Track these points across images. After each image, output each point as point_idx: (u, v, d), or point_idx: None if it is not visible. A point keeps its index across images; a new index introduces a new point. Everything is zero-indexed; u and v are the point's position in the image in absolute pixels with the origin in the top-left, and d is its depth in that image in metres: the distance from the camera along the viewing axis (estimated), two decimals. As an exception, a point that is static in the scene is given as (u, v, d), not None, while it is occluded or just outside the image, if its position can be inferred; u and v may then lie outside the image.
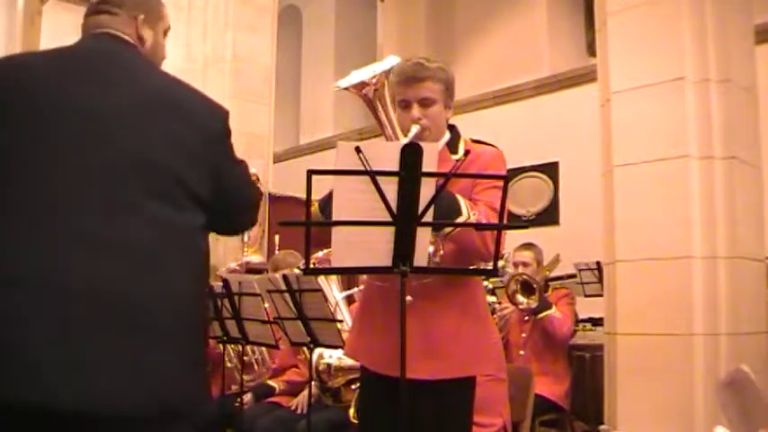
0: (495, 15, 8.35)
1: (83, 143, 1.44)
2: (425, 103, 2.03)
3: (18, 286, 1.34)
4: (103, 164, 1.44)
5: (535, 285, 4.03)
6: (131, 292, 1.38)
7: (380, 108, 1.92)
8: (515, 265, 4.27)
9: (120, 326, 1.36)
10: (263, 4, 6.65)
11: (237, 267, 5.60)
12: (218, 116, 1.64)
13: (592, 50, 6.96)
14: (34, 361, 1.30)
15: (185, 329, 1.46)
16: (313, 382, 3.19)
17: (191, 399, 1.47)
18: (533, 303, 4.01)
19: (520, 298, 4.05)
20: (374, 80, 1.88)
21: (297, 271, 3.54)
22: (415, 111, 2.02)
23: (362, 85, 1.89)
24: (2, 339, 1.31)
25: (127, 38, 1.62)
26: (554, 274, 5.47)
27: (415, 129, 1.96)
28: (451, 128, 2.15)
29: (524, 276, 4.07)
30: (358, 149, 1.57)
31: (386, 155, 1.60)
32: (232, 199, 1.65)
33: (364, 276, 3.10)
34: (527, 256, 4.23)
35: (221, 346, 3.70)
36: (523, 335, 4.15)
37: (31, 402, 1.29)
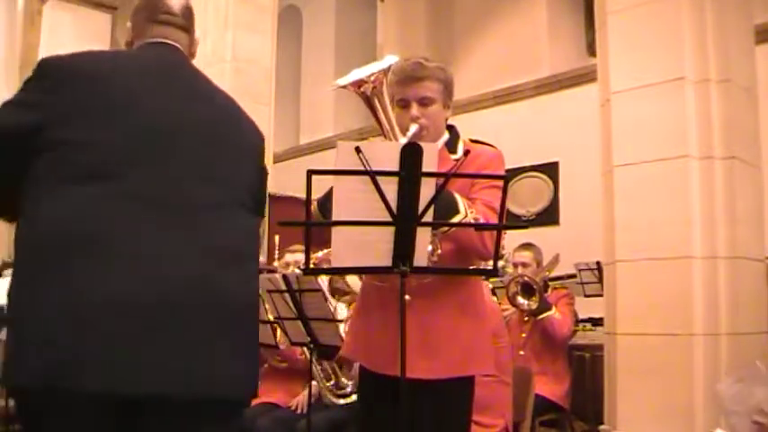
0: (495, 15, 8.35)
1: (178, 153, 1.52)
2: (424, 102, 2.03)
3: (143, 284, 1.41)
4: (200, 172, 1.54)
5: (535, 287, 4.03)
6: (230, 291, 1.51)
7: (379, 107, 1.92)
8: (515, 265, 4.27)
9: (227, 322, 1.49)
10: (263, 4, 6.65)
11: None
12: (262, 135, 1.77)
13: (592, 50, 6.96)
14: (160, 355, 1.40)
15: (256, 323, 1.64)
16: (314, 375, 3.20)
17: (255, 385, 1.60)
18: (534, 305, 4.01)
19: (520, 299, 4.06)
20: (372, 78, 1.88)
21: (297, 270, 3.54)
22: (414, 110, 2.02)
23: (361, 83, 1.89)
24: (131, 336, 1.38)
25: (187, 54, 1.74)
26: (554, 274, 5.48)
27: (413, 128, 1.96)
28: (450, 128, 2.15)
29: (525, 278, 4.07)
30: (358, 149, 1.57)
31: (386, 155, 1.60)
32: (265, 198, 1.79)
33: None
34: (526, 256, 4.23)
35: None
36: (523, 335, 4.16)
37: (154, 392, 1.39)
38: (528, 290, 4.06)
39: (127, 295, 1.38)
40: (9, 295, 1.43)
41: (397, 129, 1.95)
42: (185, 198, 1.50)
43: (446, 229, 1.88)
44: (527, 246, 4.31)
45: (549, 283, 4.41)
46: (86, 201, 1.41)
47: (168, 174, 1.49)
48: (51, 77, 1.51)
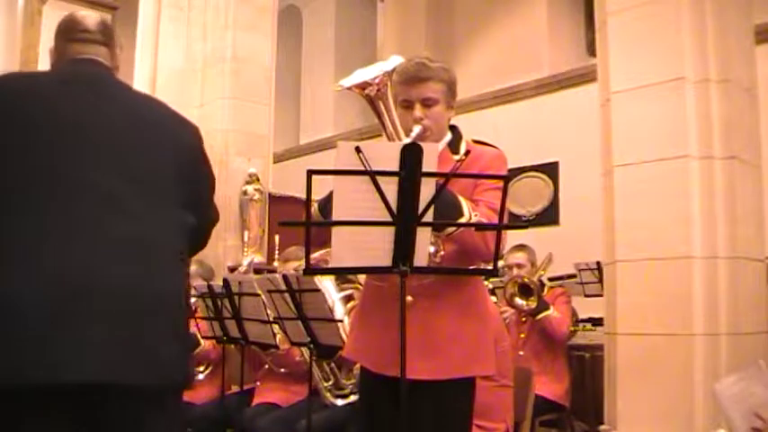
0: (495, 15, 8.35)
1: (95, 157, 1.62)
2: (427, 103, 2.03)
3: (59, 283, 1.50)
4: (119, 173, 1.63)
5: (533, 287, 4.03)
6: (144, 285, 1.58)
7: (383, 108, 1.92)
8: (509, 267, 4.27)
9: (136, 314, 1.56)
10: (263, 4, 6.65)
11: (245, 268, 5.61)
12: (193, 129, 1.85)
13: (592, 50, 6.96)
14: (77, 344, 1.48)
15: (179, 314, 1.70)
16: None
17: (182, 374, 1.68)
18: (532, 304, 4.02)
19: (518, 300, 4.07)
20: (377, 80, 1.88)
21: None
22: (417, 111, 2.02)
23: (365, 84, 1.88)
24: (46, 327, 1.47)
25: (110, 66, 1.83)
26: (554, 273, 5.48)
27: (417, 129, 1.96)
28: (453, 128, 2.15)
29: (523, 279, 4.07)
30: (358, 149, 1.57)
31: (386, 155, 1.60)
32: (202, 210, 1.85)
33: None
34: (521, 257, 4.23)
35: (221, 346, 3.70)
36: (522, 336, 4.16)
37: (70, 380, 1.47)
38: (526, 290, 4.07)
39: (48, 292, 1.48)
40: None
41: (400, 130, 1.95)
42: (103, 198, 1.59)
43: (451, 230, 1.88)
44: (520, 247, 4.31)
45: (546, 283, 4.42)
46: (12, 211, 1.52)
47: (86, 177, 1.59)
48: None
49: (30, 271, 1.49)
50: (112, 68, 1.83)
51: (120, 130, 1.67)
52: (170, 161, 1.72)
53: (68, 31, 1.81)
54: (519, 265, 4.22)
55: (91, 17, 1.85)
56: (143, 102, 1.81)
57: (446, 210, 1.82)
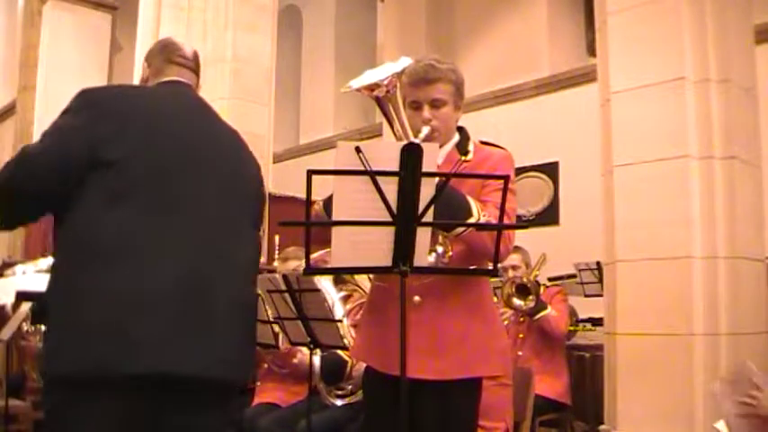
0: (495, 15, 8.35)
1: (198, 175, 1.77)
2: (436, 104, 2.04)
3: (184, 287, 1.65)
4: (231, 197, 1.83)
5: (530, 287, 4.04)
6: (239, 294, 1.78)
7: (391, 109, 1.92)
8: (504, 269, 4.28)
9: (240, 321, 1.78)
10: (263, 4, 6.65)
11: None
12: (258, 165, 2.02)
13: (592, 50, 6.96)
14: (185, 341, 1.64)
15: (255, 319, 1.92)
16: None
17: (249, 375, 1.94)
18: (530, 304, 4.03)
19: (516, 301, 4.07)
20: (386, 81, 1.87)
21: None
22: (426, 112, 2.03)
23: (374, 86, 1.88)
24: (159, 327, 1.61)
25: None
26: (554, 273, 5.48)
27: (425, 130, 1.96)
28: (461, 129, 2.16)
29: (520, 280, 4.08)
30: (358, 149, 1.57)
31: (386, 155, 1.60)
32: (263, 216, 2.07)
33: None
34: (515, 258, 4.24)
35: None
36: (521, 335, 4.16)
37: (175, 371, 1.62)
38: (523, 291, 4.08)
39: (158, 292, 1.62)
40: (53, 291, 1.65)
41: (409, 131, 1.95)
42: (207, 213, 1.75)
43: (460, 230, 1.89)
44: (515, 248, 4.31)
45: (542, 283, 4.42)
46: (127, 215, 1.64)
47: (193, 192, 1.74)
48: (96, 107, 1.72)
49: (159, 271, 1.63)
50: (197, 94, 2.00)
51: (226, 156, 1.86)
52: (254, 190, 1.94)
53: (169, 53, 1.97)
54: (514, 267, 4.23)
55: (186, 45, 2.05)
56: (232, 131, 1.98)
57: (454, 210, 1.83)
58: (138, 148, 1.69)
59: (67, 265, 1.65)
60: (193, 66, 2.00)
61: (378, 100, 1.90)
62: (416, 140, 1.87)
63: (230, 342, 1.72)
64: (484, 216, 1.89)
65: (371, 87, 1.89)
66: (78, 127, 1.68)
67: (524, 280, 4.08)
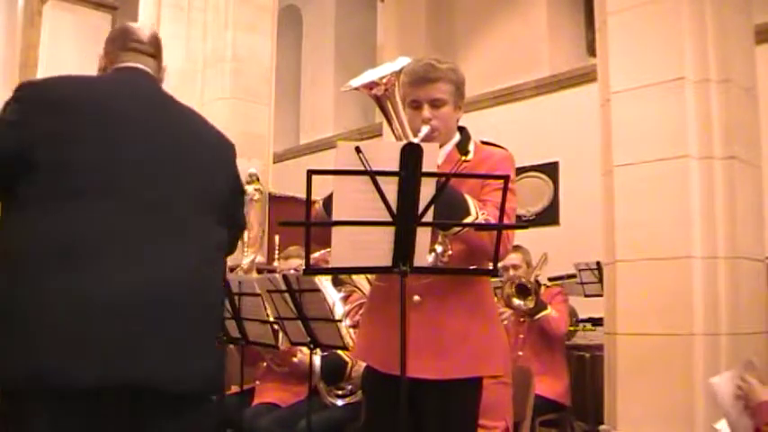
0: (495, 15, 8.35)
1: (160, 171, 1.66)
2: (436, 103, 2.04)
3: (130, 291, 1.54)
4: (174, 186, 1.68)
5: (530, 287, 4.03)
6: (201, 300, 1.67)
7: (390, 108, 1.92)
8: (505, 268, 4.27)
9: (196, 324, 1.64)
10: (263, 4, 6.66)
11: (247, 266, 5.61)
12: (233, 148, 1.90)
13: (592, 50, 6.96)
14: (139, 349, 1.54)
15: (217, 322, 1.80)
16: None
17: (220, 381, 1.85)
18: (530, 305, 4.02)
19: (516, 301, 4.06)
20: (384, 80, 1.88)
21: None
22: (426, 111, 2.03)
23: (373, 84, 1.88)
24: (116, 334, 1.51)
25: (158, 79, 1.87)
26: (554, 273, 5.48)
27: (425, 129, 1.96)
28: (462, 129, 2.16)
29: (520, 280, 4.07)
30: (358, 149, 1.57)
31: (386, 155, 1.60)
32: (236, 220, 1.93)
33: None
34: (516, 258, 4.22)
35: (221, 346, 3.70)
36: (521, 336, 4.16)
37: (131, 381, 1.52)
38: (523, 291, 4.07)
39: (115, 297, 1.51)
40: None
41: (408, 130, 1.95)
42: (163, 210, 1.63)
43: (457, 229, 1.89)
44: (515, 248, 4.29)
45: (543, 283, 4.41)
46: (74, 214, 1.54)
47: (146, 190, 1.62)
48: (33, 101, 1.62)
49: (103, 275, 1.52)
50: (158, 81, 1.87)
51: (180, 146, 1.73)
52: (220, 180, 1.80)
53: (122, 40, 1.85)
54: (514, 266, 4.22)
55: (144, 29, 1.90)
56: (193, 117, 1.85)
57: (452, 209, 1.83)
58: (84, 142, 1.59)
59: (7, 270, 1.52)
60: (151, 50, 1.86)
61: (377, 99, 1.90)
62: (415, 140, 1.87)
63: (188, 347, 1.61)
64: (482, 215, 1.89)
65: (370, 86, 1.89)
66: (14, 123, 1.57)
67: (524, 280, 4.08)
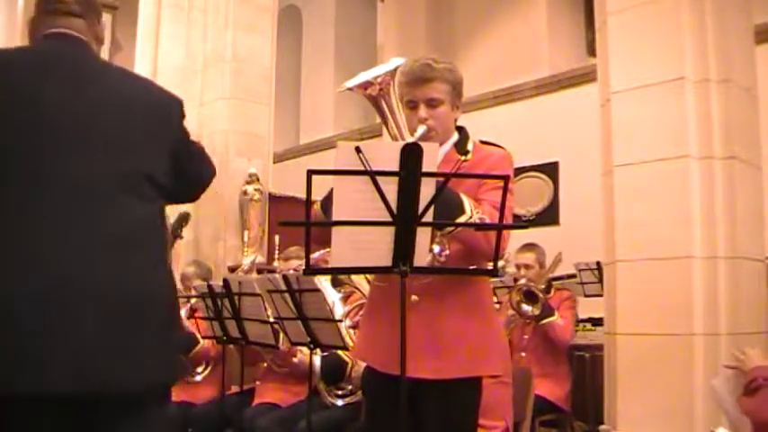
0: (495, 15, 8.35)
1: (63, 141, 1.52)
2: (432, 103, 2.04)
3: (46, 286, 1.42)
4: (85, 161, 1.53)
5: (538, 293, 4.00)
6: (116, 284, 1.50)
7: (386, 108, 1.92)
8: (517, 267, 4.25)
9: (111, 315, 1.48)
10: (263, 4, 6.65)
11: (248, 266, 5.61)
12: (176, 104, 1.75)
13: (592, 50, 6.96)
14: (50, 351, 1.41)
15: (159, 311, 1.60)
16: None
17: (165, 377, 1.62)
18: (537, 311, 4.00)
19: (525, 306, 4.02)
20: (379, 80, 1.88)
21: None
22: (422, 111, 2.02)
23: (367, 85, 1.89)
24: (16, 334, 1.40)
25: (87, 40, 1.70)
26: (554, 274, 5.46)
27: (421, 129, 1.96)
28: (460, 129, 2.15)
29: (527, 286, 4.04)
30: (358, 149, 1.57)
31: (386, 155, 1.60)
32: (189, 176, 1.80)
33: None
34: (529, 258, 4.19)
35: (221, 346, 3.70)
36: (525, 337, 4.14)
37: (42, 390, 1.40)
38: (531, 296, 4.04)
39: (14, 294, 1.40)
40: None
41: (404, 130, 1.95)
42: (74, 190, 1.50)
43: (452, 229, 1.89)
44: (530, 247, 4.27)
45: (553, 284, 4.39)
46: None
47: (69, 170, 1.50)
48: None
49: (16, 272, 1.42)
50: (90, 42, 1.70)
51: (102, 116, 1.58)
52: (152, 149, 1.64)
53: (45, 3, 1.69)
54: (527, 266, 4.17)
55: None
56: (124, 80, 1.69)
57: (447, 208, 1.82)
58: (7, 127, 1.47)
59: None
60: (76, 8, 1.67)
61: (372, 99, 1.91)
62: (411, 140, 1.87)
63: (113, 344, 1.46)
64: (477, 214, 1.89)
65: (365, 86, 1.89)
66: None
67: (532, 286, 4.03)
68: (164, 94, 1.74)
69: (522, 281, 4.12)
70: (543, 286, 4.12)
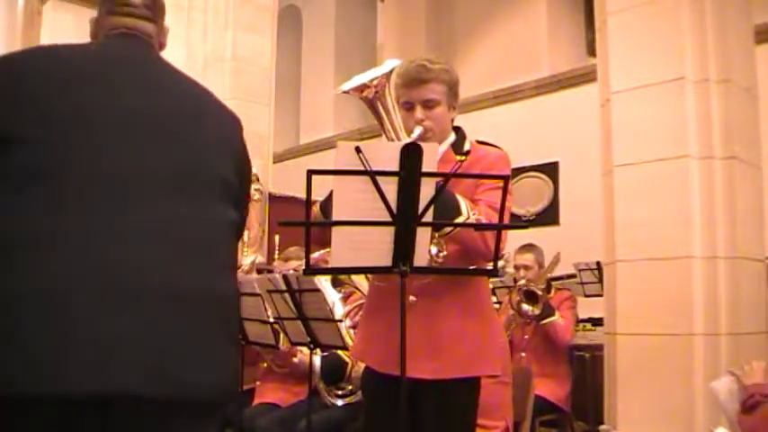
0: (495, 15, 8.35)
1: (129, 147, 1.44)
2: (428, 104, 2.03)
3: (92, 284, 1.33)
4: (155, 166, 1.45)
5: (538, 293, 4.01)
6: (193, 287, 1.42)
7: (381, 110, 1.93)
8: (516, 268, 4.25)
9: (191, 320, 1.40)
10: (263, 4, 6.66)
11: (248, 266, 5.61)
12: (238, 120, 1.68)
13: (592, 50, 6.96)
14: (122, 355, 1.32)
15: (232, 321, 1.54)
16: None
17: (233, 389, 1.54)
18: (537, 311, 4.00)
19: (525, 306, 4.03)
20: (375, 83, 1.88)
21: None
22: (419, 112, 2.02)
23: (363, 87, 1.89)
24: (85, 334, 1.29)
25: (156, 45, 1.66)
26: (554, 274, 5.46)
27: (417, 130, 1.96)
28: (457, 129, 2.16)
29: (528, 286, 4.05)
30: (358, 149, 1.57)
31: (386, 155, 1.60)
32: (245, 194, 1.70)
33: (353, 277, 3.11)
34: (528, 258, 4.19)
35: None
36: (525, 337, 4.15)
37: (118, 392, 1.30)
38: (531, 296, 4.04)
39: (59, 293, 1.30)
40: None
41: (401, 131, 1.95)
42: (133, 191, 1.41)
43: (449, 229, 1.89)
44: (528, 247, 4.27)
45: (552, 284, 4.39)
46: (31, 199, 1.35)
47: (136, 171, 1.42)
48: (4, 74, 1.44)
49: (76, 269, 1.32)
50: (157, 47, 1.65)
51: (173, 119, 1.50)
52: (222, 155, 1.56)
53: (111, 3, 1.62)
54: (526, 267, 4.17)
55: None
56: (193, 88, 1.62)
57: (443, 209, 1.82)
58: (59, 119, 1.40)
59: None
60: (143, 12, 1.62)
61: (368, 101, 1.91)
62: (408, 140, 1.88)
63: (170, 347, 1.35)
64: (473, 214, 1.89)
65: (360, 89, 1.90)
66: None
67: (532, 286, 4.04)
68: (227, 109, 1.67)
69: (522, 281, 4.12)
70: (543, 286, 4.12)
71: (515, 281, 4.31)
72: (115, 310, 1.31)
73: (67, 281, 1.30)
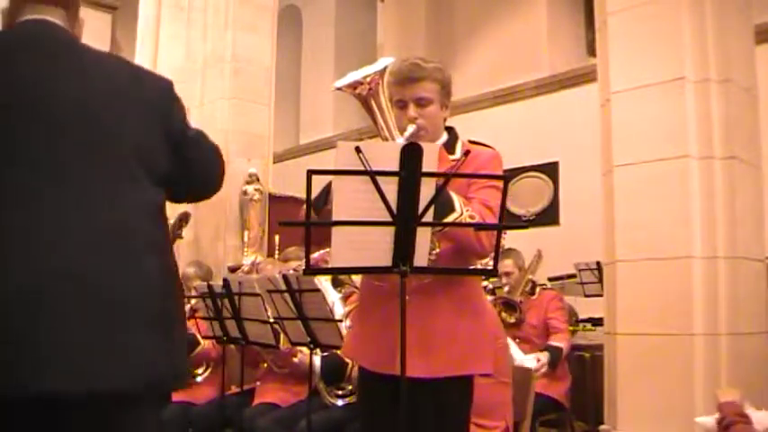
0: (495, 15, 8.35)
1: (60, 136, 1.45)
2: (421, 102, 2.04)
3: (16, 275, 1.35)
4: (77, 149, 1.46)
5: (515, 304, 4.06)
6: (108, 277, 1.42)
7: (375, 108, 1.93)
8: (498, 276, 4.27)
9: (104, 311, 1.40)
10: (263, 4, 6.66)
11: (249, 267, 5.61)
12: (167, 86, 1.67)
13: (592, 50, 6.96)
14: (37, 350, 1.33)
15: (158, 307, 1.49)
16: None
17: (168, 376, 1.52)
18: (512, 320, 4.06)
19: (503, 315, 4.08)
20: (368, 80, 1.89)
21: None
22: (411, 110, 2.03)
23: (356, 84, 1.90)
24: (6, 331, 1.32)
25: (69, 29, 1.64)
26: (554, 273, 5.47)
27: (410, 128, 1.97)
28: (449, 129, 2.16)
29: (505, 297, 4.09)
30: (358, 149, 1.58)
31: (386, 155, 1.61)
32: (193, 164, 1.70)
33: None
34: (508, 264, 4.21)
35: (221, 346, 3.70)
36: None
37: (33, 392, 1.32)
38: (510, 306, 4.09)
39: (8, 289, 1.33)
40: None
41: (393, 129, 1.96)
42: (57, 179, 1.43)
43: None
44: (506, 253, 4.25)
45: (540, 284, 4.41)
46: None
47: (50, 160, 1.43)
48: None
49: (13, 266, 1.35)
50: (70, 31, 1.63)
51: (87, 103, 1.50)
52: (145, 130, 1.55)
53: None
54: (507, 273, 4.21)
55: None
56: (109, 66, 1.61)
57: (439, 207, 1.83)
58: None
59: None
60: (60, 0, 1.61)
61: (361, 98, 1.92)
62: (400, 139, 1.88)
63: (80, 342, 1.36)
64: (467, 212, 1.90)
65: (354, 86, 1.90)
66: None
67: (509, 297, 4.08)
68: (153, 77, 1.67)
69: (506, 288, 4.18)
70: (528, 288, 4.15)
71: (494, 291, 4.33)
72: (24, 307, 1.32)
73: (4, 283, 1.31)
